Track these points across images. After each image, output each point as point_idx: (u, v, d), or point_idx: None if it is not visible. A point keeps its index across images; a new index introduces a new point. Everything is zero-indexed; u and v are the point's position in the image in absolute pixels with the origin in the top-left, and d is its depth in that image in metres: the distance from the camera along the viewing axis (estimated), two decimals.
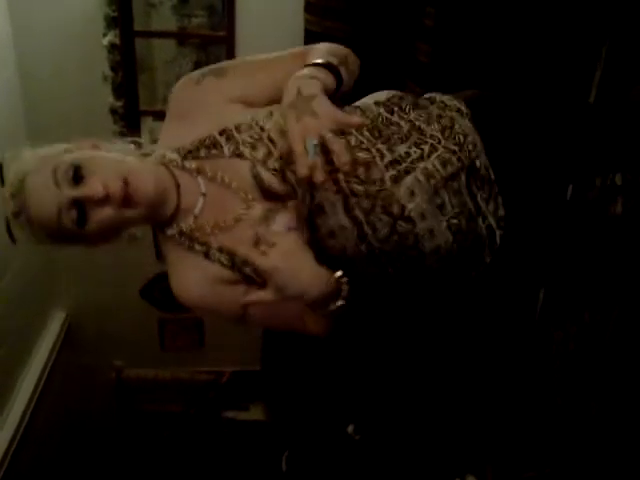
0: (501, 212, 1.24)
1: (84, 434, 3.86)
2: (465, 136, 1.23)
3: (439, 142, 1.21)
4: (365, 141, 1.18)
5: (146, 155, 1.22)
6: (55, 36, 2.88)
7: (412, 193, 1.16)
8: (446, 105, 1.28)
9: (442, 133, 1.22)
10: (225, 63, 1.28)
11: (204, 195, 1.18)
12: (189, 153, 1.19)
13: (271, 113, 1.18)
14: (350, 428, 3.07)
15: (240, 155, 1.16)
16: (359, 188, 1.15)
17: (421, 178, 1.17)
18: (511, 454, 2.17)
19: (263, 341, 3.74)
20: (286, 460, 3.42)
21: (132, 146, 1.25)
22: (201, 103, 1.20)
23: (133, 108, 3.07)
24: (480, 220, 1.23)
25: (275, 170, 1.15)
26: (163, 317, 3.84)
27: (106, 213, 1.08)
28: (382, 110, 1.24)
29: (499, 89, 1.52)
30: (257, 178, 1.15)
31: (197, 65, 3.17)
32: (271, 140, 1.15)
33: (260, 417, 3.87)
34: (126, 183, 1.07)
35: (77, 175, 1.08)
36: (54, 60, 2.94)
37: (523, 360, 2.17)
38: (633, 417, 1.58)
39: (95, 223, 1.09)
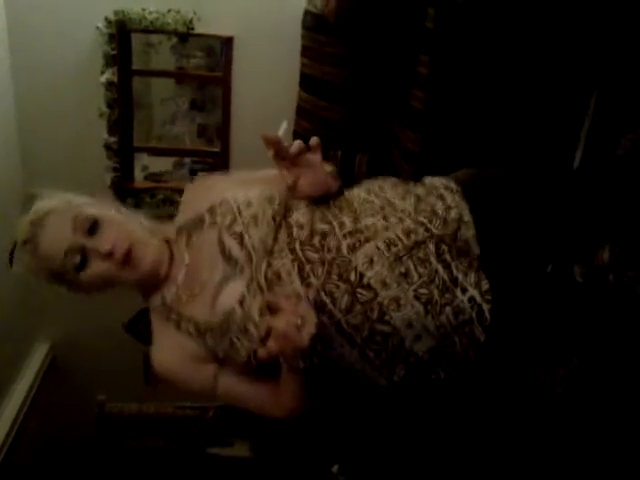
0: (485, 285, 1.19)
1: (66, 469, 3.79)
2: (447, 209, 1.22)
3: (409, 215, 1.20)
4: (330, 215, 1.22)
5: (153, 232, 1.32)
6: (54, 73, 2.92)
7: (371, 261, 1.14)
8: (434, 186, 1.29)
9: (415, 207, 1.22)
10: (223, 178, 1.44)
11: (187, 265, 1.26)
12: (181, 228, 1.31)
13: (248, 190, 1.27)
14: (335, 468, 3.05)
15: (214, 223, 1.25)
16: (314, 255, 1.16)
17: (381, 246, 1.15)
18: None
19: None
20: None
21: (144, 220, 1.37)
22: (206, 190, 1.33)
23: (127, 144, 3.10)
24: (459, 292, 1.17)
25: (235, 234, 1.21)
26: (148, 351, 3.81)
27: (104, 267, 1.19)
28: (362, 191, 1.28)
29: (492, 159, 1.53)
30: (221, 244, 1.22)
31: (193, 104, 3.22)
32: (239, 210, 1.23)
33: (245, 453, 3.82)
34: (130, 249, 1.20)
35: (93, 227, 1.21)
36: (52, 96, 2.99)
37: (510, 405, 2.18)
38: (623, 462, 1.61)
39: (92, 271, 1.20)
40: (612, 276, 1.65)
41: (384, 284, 1.14)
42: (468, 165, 1.39)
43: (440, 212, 1.21)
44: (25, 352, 3.49)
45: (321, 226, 1.19)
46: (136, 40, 2.89)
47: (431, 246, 1.17)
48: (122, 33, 2.83)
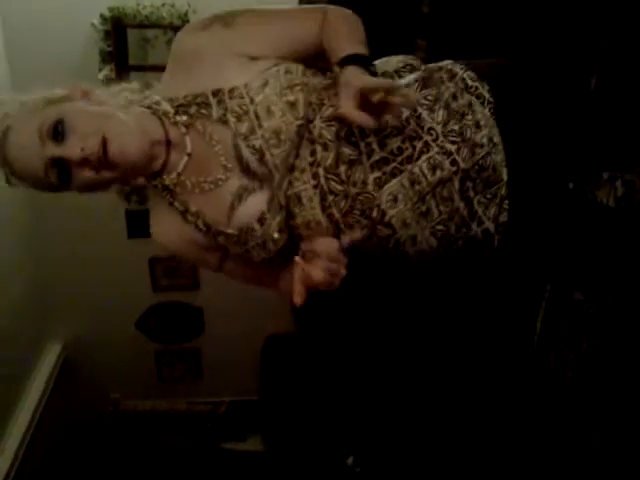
0: (503, 218, 1.16)
1: (81, 467, 3.81)
2: (479, 129, 1.12)
3: (435, 139, 1.10)
4: (356, 131, 1.09)
5: (140, 103, 1.15)
6: (51, 70, 2.89)
7: (395, 199, 1.10)
8: (467, 86, 1.16)
9: (444, 125, 1.11)
10: (234, 11, 1.16)
11: (189, 154, 1.13)
12: (180, 107, 1.12)
13: (266, 83, 1.09)
14: (350, 460, 3.04)
15: (225, 122, 1.09)
16: (338, 187, 1.09)
17: (406, 184, 1.09)
18: None
19: (260, 370, 3.72)
20: None
21: (128, 91, 1.19)
22: (203, 52, 1.11)
23: None
24: (475, 225, 1.15)
25: (255, 149, 1.09)
26: (160, 348, 3.83)
27: (86, 174, 1.05)
28: None
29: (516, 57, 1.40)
30: (237, 151, 1.10)
31: None
32: (257, 116, 1.07)
33: (258, 448, 3.82)
34: (105, 144, 1.02)
35: (58, 132, 1.03)
36: None
37: (520, 391, 2.15)
38: (634, 447, 1.57)
39: (78, 182, 1.07)
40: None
41: (404, 223, 1.12)
42: None
43: (469, 135, 1.12)
44: (38, 353, 3.50)
45: (347, 150, 1.09)
46: (132, 36, 2.87)
47: (456, 183, 1.12)
48: (118, 29, 2.81)
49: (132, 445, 3.96)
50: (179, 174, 1.14)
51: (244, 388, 3.84)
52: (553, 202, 1.26)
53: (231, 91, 1.09)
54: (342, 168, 1.09)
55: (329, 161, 1.09)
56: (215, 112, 1.10)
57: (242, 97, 1.08)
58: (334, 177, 1.09)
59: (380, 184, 1.09)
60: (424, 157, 1.10)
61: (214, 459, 3.88)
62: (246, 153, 1.09)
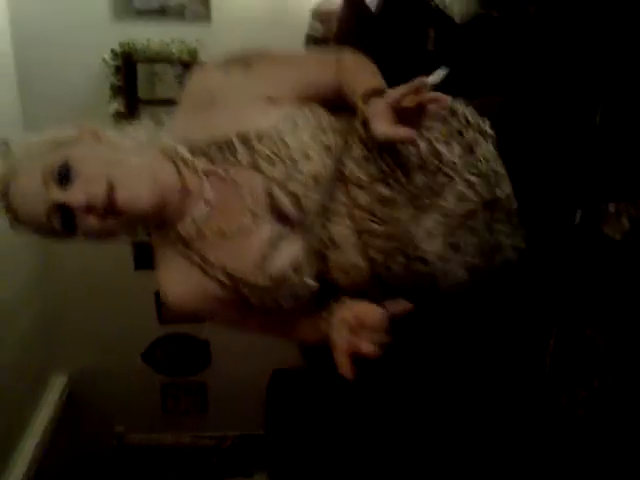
0: (522, 245, 1.18)
1: None
2: (486, 162, 1.14)
3: (456, 172, 1.11)
4: (386, 168, 1.07)
5: (153, 144, 1.08)
6: (63, 104, 2.95)
7: (429, 234, 1.09)
8: (469, 122, 1.17)
9: (461, 158, 1.12)
10: (249, 53, 1.13)
11: (208, 201, 1.06)
12: (200, 151, 1.06)
13: (296, 125, 1.05)
14: None
15: (256, 167, 1.04)
16: (375, 227, 1.06)
17: (438, 218, 1.09)
18: None
19: (266, 405, 3.68)
20: None
21: (141, 131, 1.11)
22: (225, 95, 1.06)
23: None
24: (499, 255, 1.16)
25: (291, 194, 1.03)
26: (165, 381, 3.80)
27: (91, 222, 0.97)
28: None
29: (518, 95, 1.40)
30: (271, 198, 1.04)
31: None
32: (293, 160, 1.03)
33: None
34: (112, 191, 0.95)
35: (63, 176, 0.97)
36: (60, 126, 3.00)
37: (530, 430, 2.11)
38: None
39: (82, 229, 0.99)
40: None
41: (439, 257, 1.11)
42: None
43: (482, 167, 1.13)
44: (43, 385, 3.49)
45: (381, 189, 1.07)
46: (141, 70, 2.92)
47: (480, 214, 1.13)
48: (128, 64, 2.86)
49: (136, 478, 3.92)
50: (196, 223, 1.07)
51: (250, 422, 3.79)
52: (561, 235, 1.26)
53: (259, 135, 1.04)
54: (378, 207, 1.06)
55: (365, 201, 1.06)
56: (243, 157, 1.04)
57: (273, 140, 1.04)
58: (371, 217, 1.06)
59: (414, 220, 1.08)
60: (451, 190, 1.11)
61: None
62: (281, 199, 1.03)
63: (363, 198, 1.06)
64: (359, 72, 1.13)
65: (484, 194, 1.12)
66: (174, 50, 2.82)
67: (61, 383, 3.61)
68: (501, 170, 1.15)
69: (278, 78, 1.11)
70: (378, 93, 1.03)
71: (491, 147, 1.16)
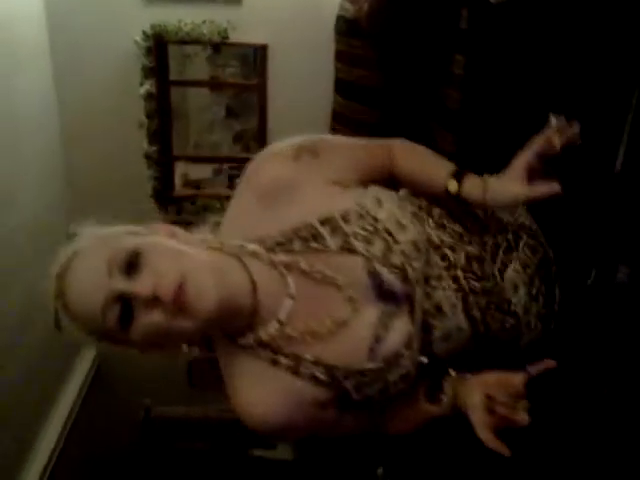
0: (559, 296, 1.20)
1: (113, 472, 3.87)
2: (525, 218, 1.20)
3: (516, 229, 1.15)
4: (461, 230, 1.09)
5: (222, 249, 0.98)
6: (95, 86, 3.01)
7: (515, 287, 1.10)
8: None
9: (517, 219, 1.17)
10: (311, 141, 1.07)
11: (292, 297, 0.96)
12: (278, 245, 0.98)
13: (379, 199, 1.02)
14: (380, 471, 3.04)
15: (350, 250, 0.97)
16: (477, 285, 1.05)
17: (519, 269, 1.11)
18: None
19: None
20: None
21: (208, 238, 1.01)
22: (297, 184, 1.00)
23: (167, 153, 3.16)
24: (556, 306, 1.19)
25: (396, 268, 0.97)
26: (192, 356, 3.87)
27: (154, 318, 0.85)
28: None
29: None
30: (375, 277, 0.97)
31: (229, 112, 3.27)
32: (389, 233, 0.98)
33: (288, 456, 3.85)
34: (182, 284, 0.85)
35: (131, 264, 0.87)
36: (93, 108, 3.08)
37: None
38: None
39: (141, 327, 0.86)
40: None
41: (525, 310, 1.11)
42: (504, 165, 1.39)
43: (527, 222, 1.20)
44: (72, 359, 3.58)
45: (468, 247, 1.08)
46: (172, 52, 2.95)
47: (547, 262, 1.16)
48: (159, 45, 2.90)
49: (163, 450, 4.02)
50: (282, 324, 0.95)
51: None
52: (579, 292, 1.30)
53: (344, 215, 0.98)
54: (475, 265, 1.07)
55: (462, 261, 1.05)
56: (332, 242, 0.97)
57: (362, 218, 0.98)
58: (471, 275, 1.06)
59: (502, 274, 1.09)
60: (521, 243, 1.14)
61: (243, 466, 3.92)
62: (386, 275, 0.97)
63: (459, 258, 1.06)
64: (424, 156, 1.15)
65: (543, 246, 1.17)
66: (205, 31, 2.84)
67: (90, 357, 3.69)
68: (534, 226, 1.21)
69: (347, 165, 1.07)
70: (461, 172, 1.08)
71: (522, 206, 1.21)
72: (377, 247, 0.97)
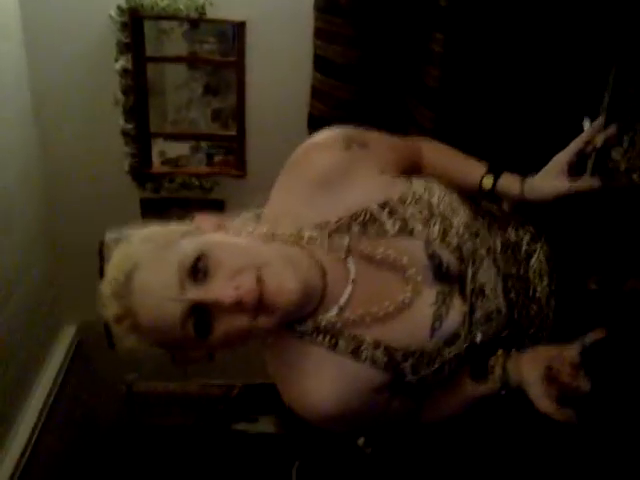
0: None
1: (94, 447, 3.90)
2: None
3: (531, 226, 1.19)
4: (489, 225, 1.13)
5: (273, 236, 0.96)
6: (69, 61, 2.95)
7: (540, 276, 1.13)
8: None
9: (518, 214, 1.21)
10: (358, 132, 1.07)
11: (354, 281, 0.95)
12: (336, 231, 0.97)
13: (427, 186, 1.04)
14: (361, 441, 3.09)
15: (409, 232, 0.97)
16: (513, 269, 1.10)
17: (542, 260, 1.15)
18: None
19: None
20: (296, 472, 3.45)
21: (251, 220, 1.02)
22: (350, 172, 1.00)
23: (144, 130, 3.13)
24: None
25: (453, 248, 1.00)
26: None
27: (236, 323, 0.83)
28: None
29: (507, 136, 1.50)
30: (434, 258, 0.98)
31: (207, 89, 3.23)
32: (444, 217, 1.00)
33: (270, 429, 3.90)
34: (260, 281, 0.82)
35: (198, 269, 0.83)
36: (67, 84, 3.02)
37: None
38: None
39: (222, 333, 0.83)
40: None
41: (547, 300, 1.14)
42: (482, 144, 1.39)
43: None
44: (52, 336, 3.56)
45: (504, 235, 1.13)
46: (148, 27, 2.90)
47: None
48: (135, 20, 2.84)
49: (145, 426, 4.05)
50: (341, 308, 0.94)
51: (257, 371, 3.89)
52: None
53: (402, 199, 0.99)
54: (509, 251, 1.11)
55: (499, 246, 1.09)
56: (390, 225, 0.97)
57: (418, 202, 1.00)
58: (508, 259, 1.10)
59: (527, 262, 1.14)
60: (543, 237, 1.18)
61: (226, 441, 3.96)
62: (446, 255, 0.99)
63: (496, 243, 1.09)
64: (453, 154, 1.20)
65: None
66: (182, 6, 2.79)
67: (70, 333, 3.68)
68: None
69: (389, 156, 1.08)
70: (496, 168, 1.14)
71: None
72: (435, 229, 0.98)
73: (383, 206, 0.98)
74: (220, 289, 0.81)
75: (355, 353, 0.95)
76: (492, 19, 2.09)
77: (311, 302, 0.91)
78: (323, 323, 0.93)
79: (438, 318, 0.97)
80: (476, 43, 2.15)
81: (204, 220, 0.95)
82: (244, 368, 3.92)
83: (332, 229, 0.97)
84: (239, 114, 3.08)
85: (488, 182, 1.11)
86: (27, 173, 3.04)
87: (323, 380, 0.95)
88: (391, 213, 0.98)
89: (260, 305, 0.82)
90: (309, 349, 0.96)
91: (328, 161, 1.00)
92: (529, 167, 1.32)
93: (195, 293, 0.82)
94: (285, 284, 0.84)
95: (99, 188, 3.24)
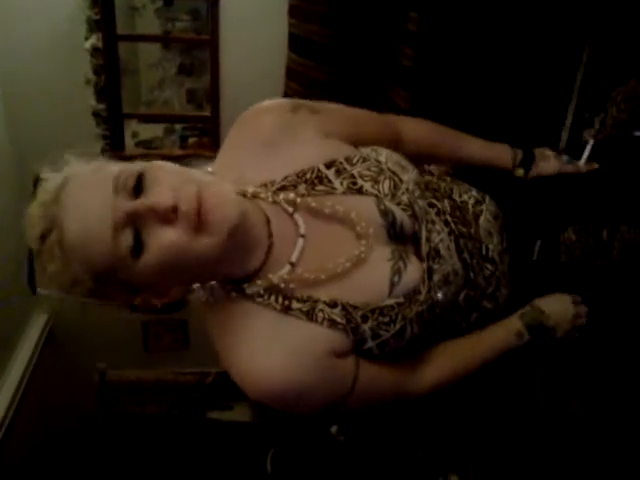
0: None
1: (67, 436, 3.85)
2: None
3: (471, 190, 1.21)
4: (435, 193, 1.15)
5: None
6: (37, 39, 2.87)
7: (490, 233, 1.16)
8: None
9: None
10: (314, 103, 1.05)
11: (303, 236, 0.91)
12: (282, 189, 0.94)
13: (374, 149, 1.02)
14: (334, 429, 3.09)
15: (358, 190, 0.95)
16: (464, 229, 1.10)
17: (490, 219, 1.17)
18: (494, 454, 2.20)
19: None
20: (271, 460, 3.45)
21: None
22: (297, 133, 0.98)
23: (116, 111, 3.06)
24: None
25: (405, 205, 0.97)
26: (147, 319, 3.84)
27: (172, 237, 0.77)
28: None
29: (481, 117, 1.53)
30: (387, 215, 0.96)
31: (181, 68, 3.18)
32: (393, 172, 0.98)
33: (245, 418, 3.88)
34: (200, 197, 0.78)
35: (139, 185, 0.79)
36: (36, 63, 2.93)
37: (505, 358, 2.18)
38: (614, 415, 1.60)
39: (157, 249, 0.77)
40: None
41: (500, 258, 1.16)
42: (458, 122, 1.38)
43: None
44: (23, 323, 3.51)
45: (447, 200, 1.13)
46: (119, 4, 2.83)
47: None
48: None
49: (118, 414, 4.00)
50: (293, 265, 0.89)
51: None
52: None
53: (348, 159, 0.97)
54: (457, 212, 1.11)
55: (448, 208, 1.09)
56: (339, 183, 0.95)
57: (366, 160, 0.98)
58: (457, 220, 1.10)
59: (477, 222, 1.15)
60: (487, 198, 1.21)
61: (200, 429, 3.93)
62: (399, 213, 0.96)
63: (445, 205, 1.10)
64: (459, 134, 1.25)
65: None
66: None
67: (42, 321, 3.63)
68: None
69: (342, 127, 1.04)
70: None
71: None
72: (385, 185, 0.96)
73: (329, 165, 0.96)
74: (157, 196, 0.77)
75: (310, 314, 0.89)
76: None
77: (255, 249, 0.87)
78: (275, 281, 0.88)
79: (397, 272, 0.94)
80: (450, 22, 2.13)
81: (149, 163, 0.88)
82: (218, 356, 3.90)
83: (278, 188, 0.94)
84: (213, 95, 3.02)
85: (520, 172, 1.22)
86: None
87: (275, 346, 0.87)
88: (339, 172, 0.96)
89: (199, 220, 0.77)
90: (260, 313, 0.89)
91: (274, 122, 0.98)
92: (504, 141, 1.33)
93: (131, 203, 0.77)
94: (225, 202, 0.79)
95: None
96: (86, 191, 0.79)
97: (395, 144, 1.10)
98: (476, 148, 1.21)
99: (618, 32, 1.71)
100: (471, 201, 1.17)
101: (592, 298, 1.28)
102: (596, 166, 1.21)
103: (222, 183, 0.84)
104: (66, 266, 0.80)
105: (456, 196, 1.17)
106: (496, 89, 2.15)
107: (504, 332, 1.14)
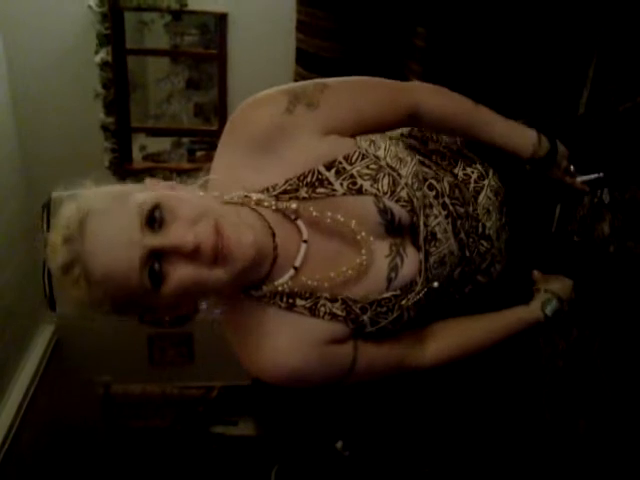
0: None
1: (71, 450, 3.83)
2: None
3: (485, 163, 1.20)
4: (437, 168, 1.12)
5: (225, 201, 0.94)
6: (47, 53, 2.90)
7: (488, 211, 1.16)
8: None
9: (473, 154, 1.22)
10: (313, 93, 1.00)
11: (306, 242, 0.94)
12: (284, 194, 0.95)
13: (373, 140, 1.01)
14: (339, 444, 3.08)
15: (358, 191, 0.96)
16: (461, 210, 1.10)
17: (490, 195, 1.17)
18: (498, 470, 2.18)
19: None
20: (275, 475, 3.42)
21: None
22: (293, 135, 0.95)
23: (124, 124, 3.09)
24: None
25: (404, 201, 0.98)
26: (152, 332, 3.84)
27: (190, 272, 0.80)
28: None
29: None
30: (385, 213, 0.97)
31: (189, 82, 3.20)
32: (392, 168, 0.98)
33: (249, 432, 3.86)
34: (218, 231, 0.80)
35: (154, 216, 0.80)
36: (46, 77, 2.97)
37: (512, 376, 2.18)
38: (621, 435, 1.60)
39: (176, 283, 0.80)
40: (612, 247, 1.65)
41: (497, 235, 1.17)
42: None
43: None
44: (30, 335, 3.52)
45: (449, 178, 1.11)
46: (129, 19, 2.86)
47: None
48: (114, 12, 2.80)
49: (123, 427, 3.99)
50: (297, 270, 0.93)
51: (236, 373, 3.85)
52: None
53: (347, 158, 0.96)
54: (456, 192, 1.10)
55: (447, 189, 1.08)
56: (339, 185, 0.95)
57: (365, 157, 0.97)
58: (456, 201, 1.09)
59: (476, 200, 1.15)
60: (491, 173, 1.18)
61: (205, 443, 3.91)
62: (397, 210, 0.97)
63: (444, 187, 1.09)
64: (490, 121, 1.15)
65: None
66: None
67: (48, 333, 3.64)
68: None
69: (345, 115, 1.01)
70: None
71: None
72: (385, 184, 0.96)
73: (329, 167, 0.95)
74: (180, 235, 0.79)
75: (313, 310, 0.95)
76: (475, 14, 2.08)
77: (263, 263, 0.90)
78: (280, 288, 0.92)
79: (394, 269, 0.98)
80: (458, 38, 2.14)
81: (156, 183, 0.91)
82: (223, 370, 3.88)
83: (280, 192, 0.95)
84: (221, 108, 3.04)
85: (528, 167, 1.18)
86: (5, 169, 2.99)
87: (281, 339, 0.94)
88: (339, 173, 0.95)
89: (217, 255, 0.80)
90: (267, 311, 0.95)
91: (267, 121, 0.94)
92: None
93: (155, 239, 0.79)
94: (242, 236, 0.82)
95: (78, 184, 3.19)
96: (110, 228, 0.80)
97: (409, 118, 1.08)
98: (496, 137, 1.13)
99: (625, 47, 1.71)
100: (474, 175, 1.17)
101: (598, 283, 1.33)
102: (587, 190, 1.20)
103: (236, 211, 0.87)
104: (88, 295, 0.81)
105: (459, 170, 1.16)
106: (501, 104, 2.16)
107: (519, 320, 1.18)
